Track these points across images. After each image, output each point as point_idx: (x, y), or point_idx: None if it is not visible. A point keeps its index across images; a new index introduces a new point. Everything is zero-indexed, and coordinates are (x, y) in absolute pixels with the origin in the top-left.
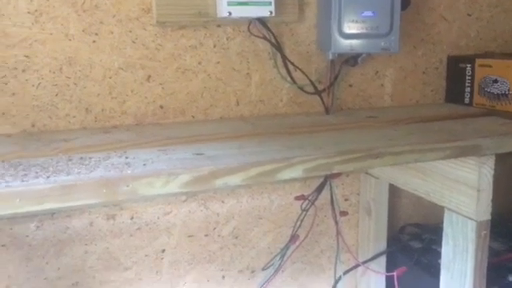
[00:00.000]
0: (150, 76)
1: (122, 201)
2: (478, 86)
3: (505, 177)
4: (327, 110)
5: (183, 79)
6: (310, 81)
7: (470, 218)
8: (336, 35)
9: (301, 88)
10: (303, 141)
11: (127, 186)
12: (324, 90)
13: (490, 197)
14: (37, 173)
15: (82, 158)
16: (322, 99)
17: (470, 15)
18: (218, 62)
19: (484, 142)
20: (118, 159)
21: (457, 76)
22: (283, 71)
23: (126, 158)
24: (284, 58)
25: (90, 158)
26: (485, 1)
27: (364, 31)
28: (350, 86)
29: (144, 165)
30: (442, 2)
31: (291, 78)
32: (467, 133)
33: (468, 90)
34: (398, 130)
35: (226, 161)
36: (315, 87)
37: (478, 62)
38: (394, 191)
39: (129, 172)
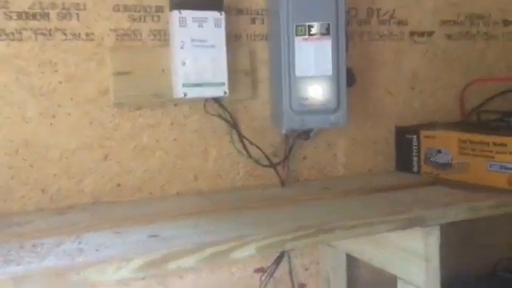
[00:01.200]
0: (107, 155)
1: None
2: (424, 156)
3: (459, 240)
4: (283, 183)
5: (141, 157)
6: (265, 155)
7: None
8: (288, 111)
9: (257, 161)
10: (258, 217)
11: (78, 275)
12: (279, 163)
13: (438, 265)
14: None
15: (34, 245)
16: (277, 172)
17: (413, 89)
18: (175, 140)
19: (428, 214)
20: (71, 245)
21: (405, 146)
22: (239, 146)
23: (79, 243)
24: (239, 133)
25: (43, 244)
26: (425, 76)
27: (314, 108)
28: (305, 158)
29: (96, 250)
30: (386, 78)
31: (247, 152)
32: (413, 204)
33: (415, 159)
34: (350, 202)
35: (179, 242)
36: (270, 161)
37: (423, 133)
38: (352, 260)
39: (80, 260)
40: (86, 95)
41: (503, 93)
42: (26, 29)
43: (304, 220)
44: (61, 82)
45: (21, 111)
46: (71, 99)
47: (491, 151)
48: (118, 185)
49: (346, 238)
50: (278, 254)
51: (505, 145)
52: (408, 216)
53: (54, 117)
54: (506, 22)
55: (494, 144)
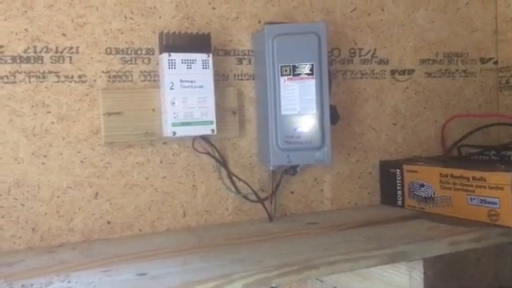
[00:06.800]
0: (97, 193)
1: None
2: (408, 190)
3: (445, 272)
4: (270, 217)
5: (131, 194)
6: (253, 190)
7: None
8: (274, 149)
9: (245, 197)
10: (245, 253)
11: None
12: (267, 198)
13: None
14: None
15: (23, 285)
16: (265, 207)
17: (395, 124)
18: (165, 177)
19: (411, 249)
20: (60, 284)
21: (389, 180)
22: (228, 182)
23: (69, 282)
24: (228, 170)
25: (32, 284)
26: (407, 111)
27: (299, 145)
28: (292, 192)
29: None
30: (369, 114)
31: (235, 188)
32: (396, 239)
33: (399, 192)
34: (334, 238)
35: (167, 280)
36: (258, 196)
37: (406, 167)
38: None
39: None
40: (77, 135)
41: (483, 127)
42: (19, 72)
43: (289, 256)
44: (53, 123)
45: (13, 152)
46: (63, 139)
47: (471, 185)
48: (109, 222)
49: (329, 274)
50: None
51: (484, 179)
52: (390, 251)
53: (45, 156)
54: (483, 60)
55: (474, 178)
